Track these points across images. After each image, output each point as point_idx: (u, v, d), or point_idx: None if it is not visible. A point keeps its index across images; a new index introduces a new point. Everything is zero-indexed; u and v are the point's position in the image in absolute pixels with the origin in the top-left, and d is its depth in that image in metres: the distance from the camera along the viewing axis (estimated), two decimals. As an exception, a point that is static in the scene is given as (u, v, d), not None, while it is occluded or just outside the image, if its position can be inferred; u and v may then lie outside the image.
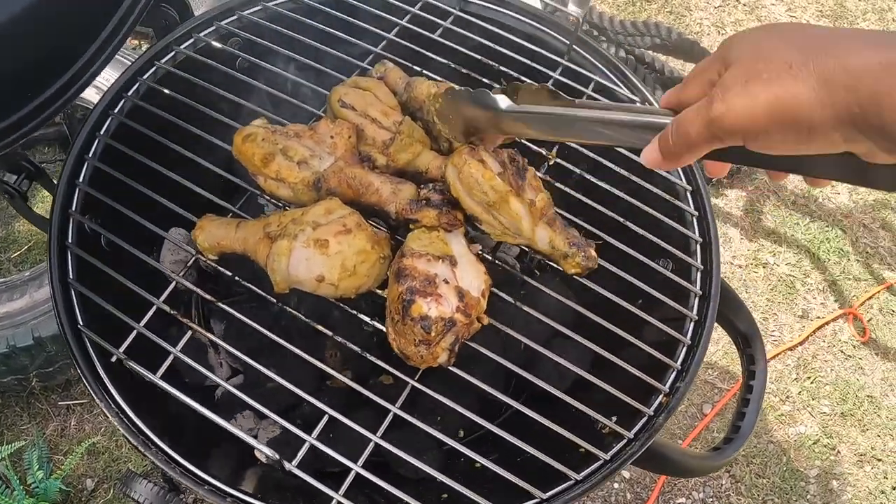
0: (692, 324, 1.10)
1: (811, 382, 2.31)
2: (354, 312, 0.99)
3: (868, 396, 2.30)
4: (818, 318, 2.40)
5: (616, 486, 2.07)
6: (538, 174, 1.10)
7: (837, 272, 2.49)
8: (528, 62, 1.29)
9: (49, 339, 1.91)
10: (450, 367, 0.96)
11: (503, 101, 0.83)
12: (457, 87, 1.00)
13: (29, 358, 1.93)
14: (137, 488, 1.81)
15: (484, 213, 0.98)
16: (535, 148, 1.20)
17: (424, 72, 1.23)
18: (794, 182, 2.66)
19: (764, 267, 2.47)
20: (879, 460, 2.21)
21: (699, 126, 0.61)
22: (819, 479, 2.17)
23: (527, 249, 1.06)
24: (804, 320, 2.40)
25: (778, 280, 2.45)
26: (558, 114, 0.76)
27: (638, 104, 1.25)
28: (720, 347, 2.32)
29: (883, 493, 2.17)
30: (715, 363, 2.30)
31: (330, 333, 0.98)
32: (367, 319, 0.99)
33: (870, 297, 2.44)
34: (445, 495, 1.02)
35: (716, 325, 1.15)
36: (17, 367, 1.95)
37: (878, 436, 2.25)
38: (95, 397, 0.97)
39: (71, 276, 1.04)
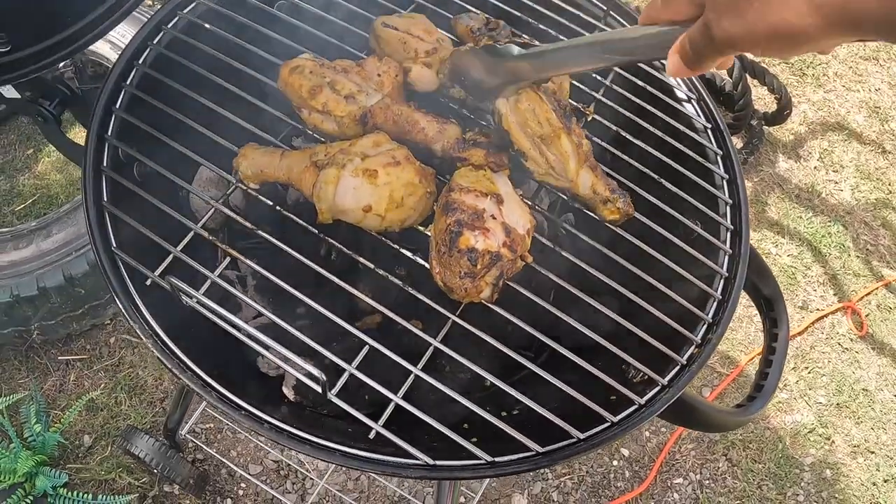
0: (722, 280, 1.11)
1: (808, 372, 2.33)
2: (396, 247, 0.99)
3: (863, 389, 2.33)
4: (817, 310, 2.43)
5: (615, 463, 2.09)
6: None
7: (838, 266, 2.52)
8: (565, 22, 1.29)
9: (54, 290, 1.89)
10: (490, 306, 0.96)
11: (514, 49, 0.84)
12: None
13: (32, 309, 1.91)
14: (139, 443, 1.80)
15: (533, 148, 0.99)
16: (573, 104, 1.20)
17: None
18: (798, 176, 2.70)
19: (766, 257, 2.49)
20: (872, 452, 2.24)
21: (706, 48, 0.66)
22: (813, 468, 2.19)
23: (563, 196, 1.07)
24: (804, 311, 2.43)
25: (779, 270, 2.48)
26: (576, 44, 0.78)
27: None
28: (721, 334, 2.34)
29: (874, 484, 2.19)
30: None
31: (370, 265, 0.98)
32: (409, 254, 0.99)
33: (869, 293, 2.48)
34: (475, 438, 1.02)
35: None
36: (19, 318, 1.93)
37: (872, 429, 2.28)
38: (129, 319, 0.96)
39: (105, 199, 1.03)
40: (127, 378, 2.05)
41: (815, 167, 2.73)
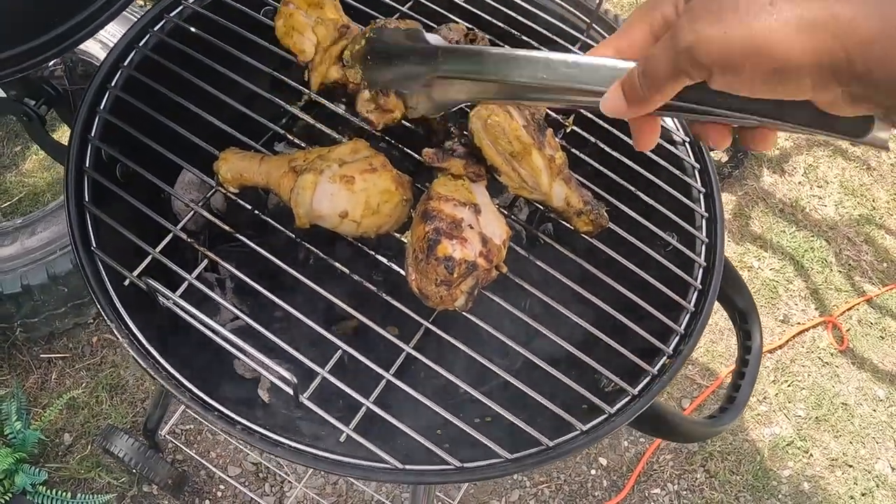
0: (696, 292, 1.13)
1: (788, 386, 2.35)
2: (373, 253, 1.00)
3: (843, 404, 2.35)
4: (798, 323, 2.45)
5: (593, 472, 2.10)
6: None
7: (820, 281, 2.54)
8: (547, 34, 1.31)
9: (37, 288, 1.89)
10: (465, 314, 0.97)
11: (437, 39, 0.71)
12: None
13: (15, 306, 1.91)
14: (118, 443, 1.81)
15: (505, 164, 1.00)
16: (552, 115, 1.22)
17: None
18: (782, 191, 2.72)
19: (749, 270, 2.52)
20: (850, 466, 2.26)
21: (666, 61, 0.55)
22: (791, 480, 2.21)
23: (540, 207, 1.08)
24: (784, 325, 2.45)
25: (761, 284, 2.50)
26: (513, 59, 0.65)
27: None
28: (701, 345, 2.36)
29: (852, 498, 2.21)
30: (696, 360, 2.33)
31: (346, 271, 0.99)
32: (384, 261, 1.00)
33: (850, 308, 2.50)
34: (447, 444, 1.03)
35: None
36: (2, 316, 1.93)
37: (851, 443, 2.30)
38: (107, 318, 0.96)
39: (86, 199, 1.04)
40: (108, 377, 2.05)
41: (799, 182, 2.76)
